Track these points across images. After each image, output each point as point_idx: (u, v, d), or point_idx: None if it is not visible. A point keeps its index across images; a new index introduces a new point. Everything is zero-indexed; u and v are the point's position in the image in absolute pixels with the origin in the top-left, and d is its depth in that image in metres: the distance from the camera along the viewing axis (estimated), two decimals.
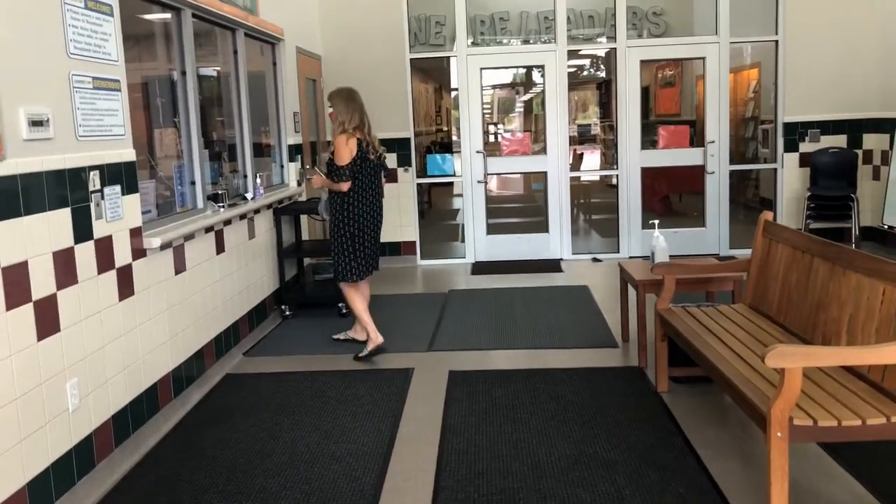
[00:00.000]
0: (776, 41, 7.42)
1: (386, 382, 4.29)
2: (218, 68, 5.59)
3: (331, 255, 4.84)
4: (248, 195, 5.35)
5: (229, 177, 5.55)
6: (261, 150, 6.17)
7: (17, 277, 2.73)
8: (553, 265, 7.43)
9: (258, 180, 5.50)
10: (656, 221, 4.77)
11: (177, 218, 4.27)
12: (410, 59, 7.61)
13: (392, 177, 7.64)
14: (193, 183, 4.55)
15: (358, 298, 4.83)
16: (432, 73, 12.23)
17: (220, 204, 4.71)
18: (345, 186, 4.56)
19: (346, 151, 4.53)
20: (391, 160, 7.60)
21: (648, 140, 7.94)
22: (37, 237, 2.85)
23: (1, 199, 2.65)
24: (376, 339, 4.76)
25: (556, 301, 6.00)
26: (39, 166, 2.88)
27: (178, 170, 4.47)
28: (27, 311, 2.78)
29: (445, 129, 13.86)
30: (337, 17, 7.53)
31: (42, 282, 2.87)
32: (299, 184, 6.39)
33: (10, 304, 2.69)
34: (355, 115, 4.61)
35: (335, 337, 5.09)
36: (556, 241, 7.76)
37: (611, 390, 4.03)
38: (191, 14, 4.48)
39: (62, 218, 3.02)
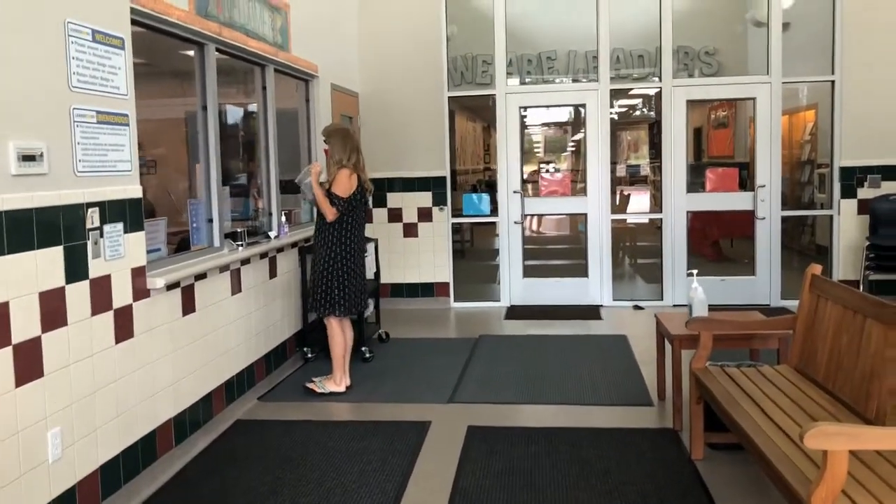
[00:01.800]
0: (832, 81, 7.05)
1: (399, 437, 4.03)
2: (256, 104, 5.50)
3: (314, 291, 4.71)
4: (272, 233, 5.22)
5: (260, 212, 5.43)
6: (293, 187, 6.05)
7: None
8: (592, 312, 7.09)
9: (283, 218, 5.37)
10: (695, 271, 4.45)
11: (190, 257, 4.13)
12: (453, 98, 7.49)
13: (427, 216, 7.49)
14: (210, 220, 4.42)
15: (341, 337, 4.76)
16: (480, 112, 12.08)
17: (239, 242, 4.58)
18: (330, 215, 4.58)
19: (347, 185, 4.62)
20: (427, 199, 7.47)
21: (699, 183, 7.59)
22: (21, 276, 2.71)
23: None
24: (341, 385, 4.77)
25: (591, 351, 5.68)
26: (29, 202, 2.76)
27: (194, 207, 4.35)
28: (5, 354, 2.64)
29: (494, 167, 13.66)
30: (375, 55, 7.46)
31: (24, 324, 2.73)
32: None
33: None
34: (353, 153, 4.69)
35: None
36: (595, 286, 7.42)
37: (640, 455, 3.70)
38: (214, 49, 4.39)
39: (53, 256, 2.88)
